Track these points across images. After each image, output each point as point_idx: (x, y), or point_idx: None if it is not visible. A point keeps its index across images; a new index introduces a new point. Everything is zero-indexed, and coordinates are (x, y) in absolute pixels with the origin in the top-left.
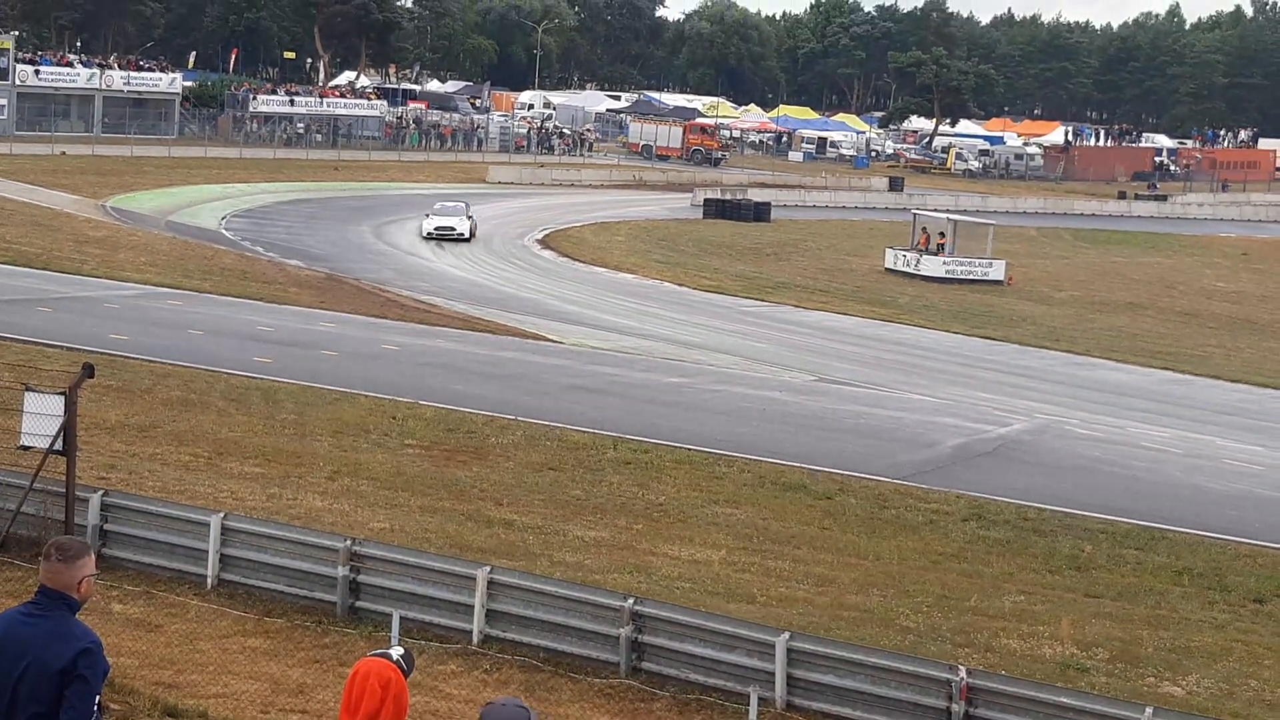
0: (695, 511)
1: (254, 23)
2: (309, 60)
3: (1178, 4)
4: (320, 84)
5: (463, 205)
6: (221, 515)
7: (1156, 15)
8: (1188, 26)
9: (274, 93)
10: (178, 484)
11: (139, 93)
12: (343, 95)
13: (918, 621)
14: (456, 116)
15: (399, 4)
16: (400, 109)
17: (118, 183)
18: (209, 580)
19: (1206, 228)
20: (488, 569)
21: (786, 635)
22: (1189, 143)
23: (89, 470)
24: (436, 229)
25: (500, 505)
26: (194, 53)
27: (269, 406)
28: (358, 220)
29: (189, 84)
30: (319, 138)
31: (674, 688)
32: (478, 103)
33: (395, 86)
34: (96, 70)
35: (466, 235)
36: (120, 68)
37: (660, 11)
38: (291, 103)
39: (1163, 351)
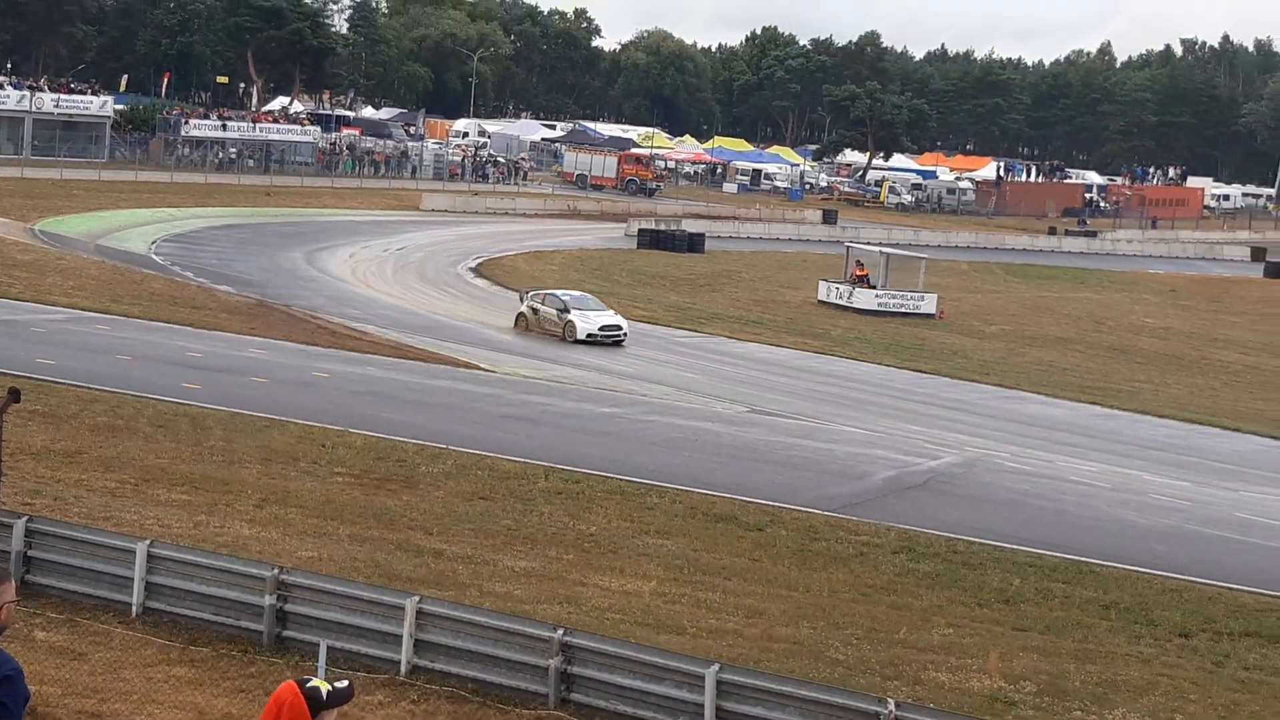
0: (626, 542)
1: (187, 47)
2: (242, 85)
3: (1109, 43)
4: (253, 109)
5: (589, 296)
6: (147, 542)
7: (1088, 53)
8: (1118, 65)
9: (206, 117)
10: (103, 510)
11: (69, 115)
12: (276, 120)
13: (847, 654)
14: (390, 143)
15: (334, 30)
16: (334, 135)
17: (47, 206)
18: (134, 608)
19: (1135, 264)
20: (416, 599)
21: (716, 667)
22: (1119, 180)
23: (13, 495)
24: (602, 330)
25: (430, 535)
26: (126, 76)
27: (197, 433)
28: (289, 246)
29: (120, 107)
30: (251, 163)
31: (603, 719)
32: (412, 130)
33: (329, 112)
34: (26, 92)
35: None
36: (51, 90)
37: (596, 42)
38: (224, 127)
39: (1092, 386)
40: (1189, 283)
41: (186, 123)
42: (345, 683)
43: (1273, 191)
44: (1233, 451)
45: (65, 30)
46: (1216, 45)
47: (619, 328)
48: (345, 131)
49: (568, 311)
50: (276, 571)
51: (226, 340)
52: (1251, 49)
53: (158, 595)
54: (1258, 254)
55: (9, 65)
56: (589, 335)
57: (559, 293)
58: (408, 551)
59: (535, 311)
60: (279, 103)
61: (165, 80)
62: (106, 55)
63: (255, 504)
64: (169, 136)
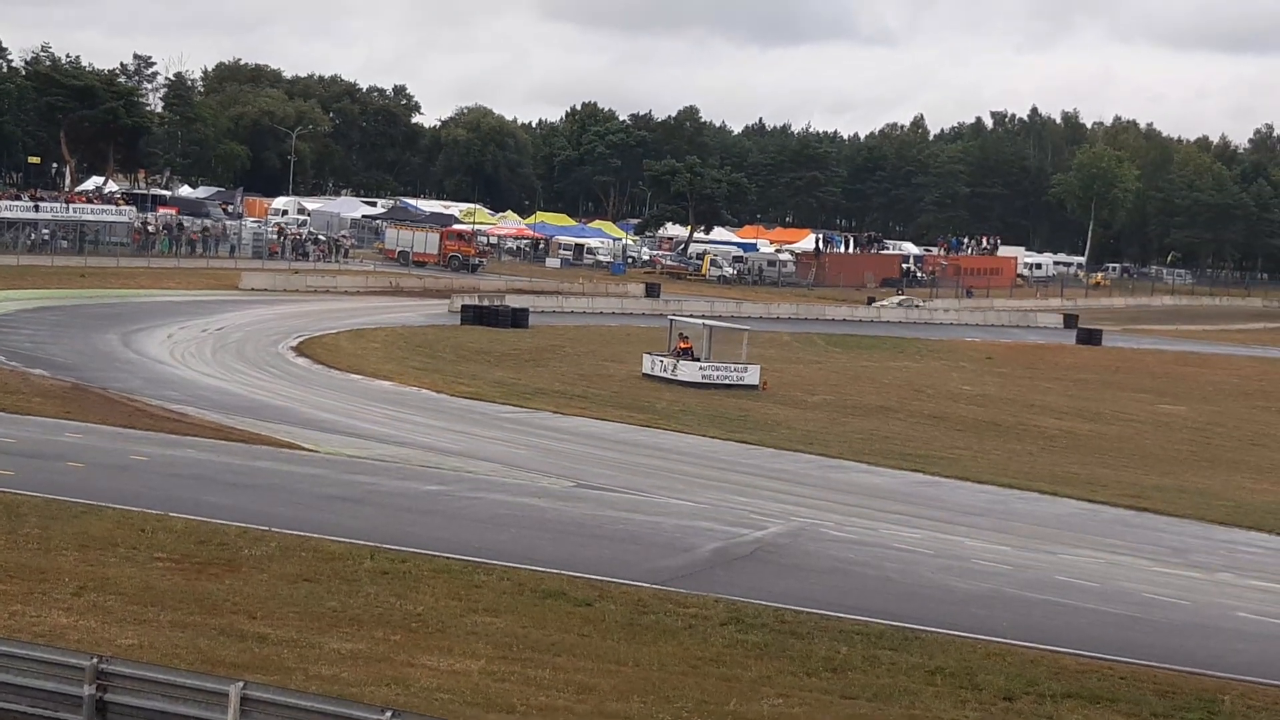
0: (454, 621)
1: None
2: (55, 165)
3: (922, 115)
4: (66, 189)
5: None
6: None
7: (902, 126)
8: (931, 137)
9: (18, 198)
10: None
11: None
12: (90, 200)
13: None
14: (208, 222)
15: (148, 108)
16: (150, 214)
17: None
18: None
19: (952, 332)
20: (240, 684)
21: None
22: (934, 250)
23: None
24: None
25: (254, 619)
26: None
27: (10, 521)
28: (105, 328)
29: None
30: (65, 244)
31: None
32: (230, 208)
33: (145, 192)
34: None
35: None
36: None
37: (416, 118)
38: (36, 208)
39: (913, 454)
40: (1004, 350)
41: None
42: None
43: (1083, 260)
44: (1050, 515)
45: None
46: (1025, 118)
47: None
48: (162, 211)
49: None
50: (95, 660)
51: (41, 425)
52: (1059, 121)
53: None
54: (1070, 321)
55: None
56: None
57: None
58: (231, 636)
59: None
60: (93, 182)
61: None
62: None
63: (73, 592)
64: None
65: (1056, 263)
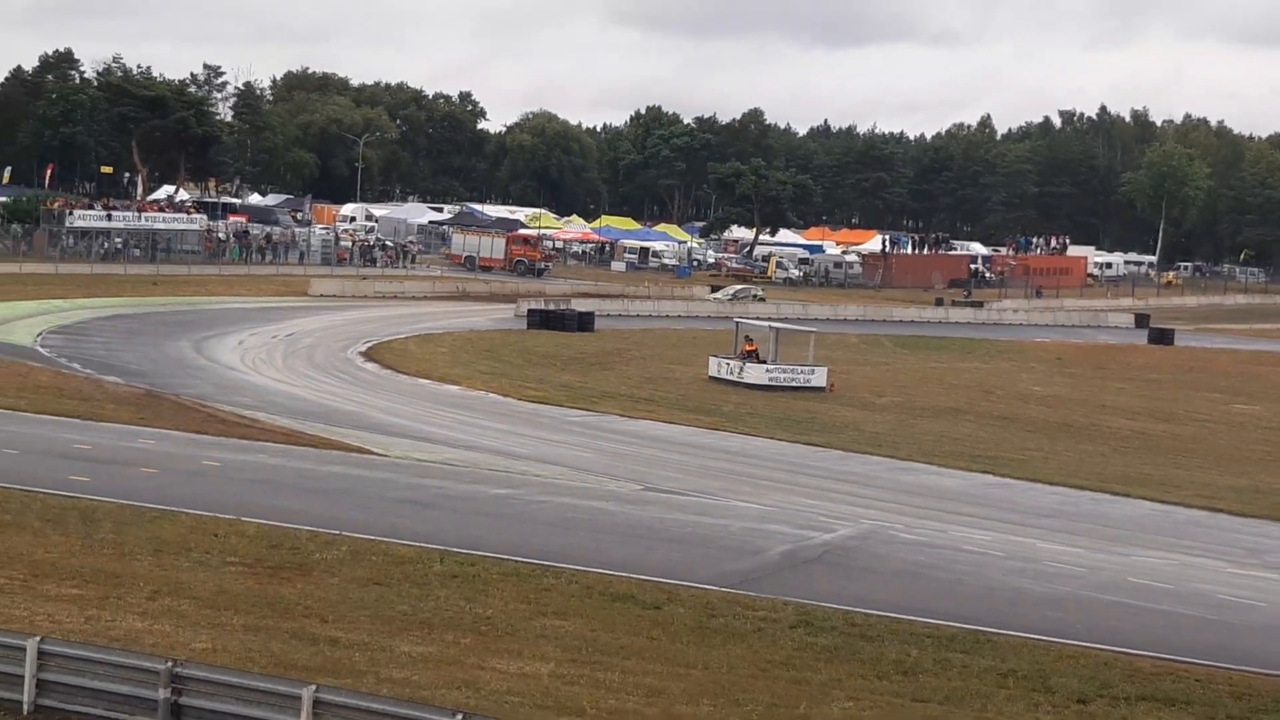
0: (523, 624)
1: (70, 138)
2: (127, 175)
3: (989, 115)
4: (138, 198)
5: None
6: (38, 639)
7: (969, 126)
8: (999, 137)
9: (91, 208)
10: None
11: None
12: (161, 209)
13: None
14: (278, 229)
15: (218, 118)
16: (221, 222)
17: None
18: (25, 706)
19: (1021, 333)
20: (313, 688)
21: None
22: (1003, 250)
23: None
24: None
25: (325, 622)
26: (9, 168)
27: (86, 526)
28: (177, 335)
29: (3, 199)
30: (137, 252)
31: None
32: (299, 215)
33: (215, 200)
34: None
35: None
36: None
37: (481, 124)
38: (109, 217)
39: (983, 455)
40: (1074, 350)
41: (71, 214)
42: None
43: (1154, 259)
44: (1123, 516)
45: None
46: (1094, 116)
47: None
48: (232, 219)
49: None
50: (170, 664)
51: (115, 431)
52: (1128, 119)
53: (49, 692)
54: (1141, 320)
55: None
56: None
57: None
58: (303, 640)
59: None
60: (164, 191)
61: (49, 172)
62: None
63: (147, 596)
64: (53, 227)
65: (1127, 262)
